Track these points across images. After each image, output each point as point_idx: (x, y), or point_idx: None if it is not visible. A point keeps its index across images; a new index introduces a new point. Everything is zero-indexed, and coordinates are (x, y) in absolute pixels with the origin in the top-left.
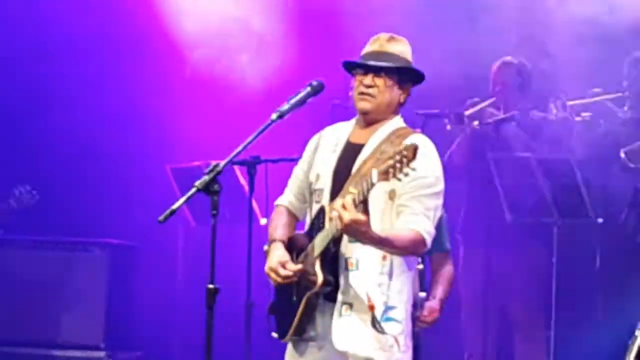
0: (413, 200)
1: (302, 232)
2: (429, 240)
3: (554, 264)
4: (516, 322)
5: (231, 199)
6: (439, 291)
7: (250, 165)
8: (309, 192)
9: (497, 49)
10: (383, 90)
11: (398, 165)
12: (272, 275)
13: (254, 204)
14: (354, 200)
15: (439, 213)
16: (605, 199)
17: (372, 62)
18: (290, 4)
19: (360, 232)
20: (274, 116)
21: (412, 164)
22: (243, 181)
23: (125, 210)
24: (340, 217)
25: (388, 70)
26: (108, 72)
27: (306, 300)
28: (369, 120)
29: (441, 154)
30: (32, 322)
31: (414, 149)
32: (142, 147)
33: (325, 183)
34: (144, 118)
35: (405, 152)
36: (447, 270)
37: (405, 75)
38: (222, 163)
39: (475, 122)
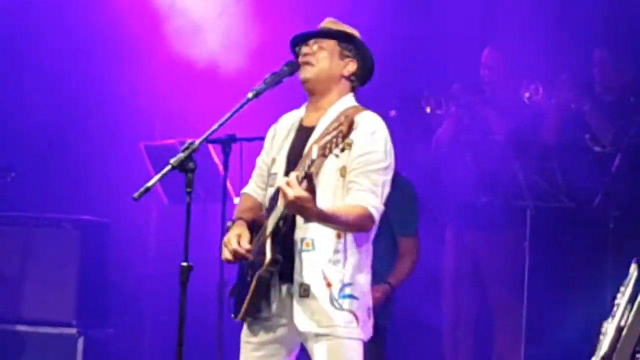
0: (360, 175)
1: (261, 215)
2: (376, 216)
3: (526, 248)
4: (491, 305)
5: (205, 177)
6: (392, 276)
7: (225, 144)
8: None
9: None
10: (321, 58)
11: (334, 140)
12: (224, 248)
13: (228, 183)
14: (297, 177)
15: (387, 189)
16: (579, 184)
17: (306, 31)
18: None
19: (304, 209)
20: (250, 95)
21: (348, 139)
22: (217, 160)
23: (98, 187)
24: (284, 194)
25: (324, 36)
26: (82, 48)
27: (257, 279)
28: (312, 92)
29: (420, 138)
30: (3, 298)
31: (349, 123)
32: (116, 124)
33: (279, 167)
34: (118, 95)
35: (341, 127)
36: (408, 260)
37: (347, 47)
38: (198, 141)
39: (454, 106)
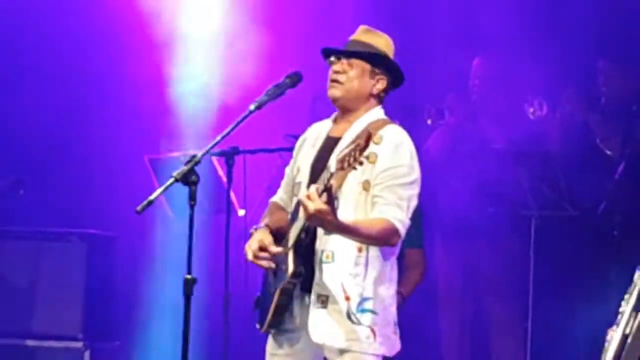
0: (386, 190)
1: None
2: (402, 230)
3: (531, 257)
4: (492, 315)
5: (209, 189)
6: (404, 287)
7: (229, 156)
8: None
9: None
10: (352, 77)
11: (353, 153)
12: (247, 250)
13: (232, 195)
14: (317, 190)
15: (414, 202)
16: (583, 192)
17: (338, 48)
18: None
19: (325, 221)
20: (252, 107)
21: (370, 152)
22: (221, 172)
23: (104, 200)
24: (304, 207)
25: (356, 57)
26: (87, 62)
27: (280, 291)
28: (341, 109)
29: (421, 148)
30: (9, 312)
31: (367, 137)
32: (120, 138)
33: (303, 176)
34: (122, 108)
35: (359, 141)
36: (417, 269)
37: (378, 65)
38: (200, 154)
39: (451, 117)
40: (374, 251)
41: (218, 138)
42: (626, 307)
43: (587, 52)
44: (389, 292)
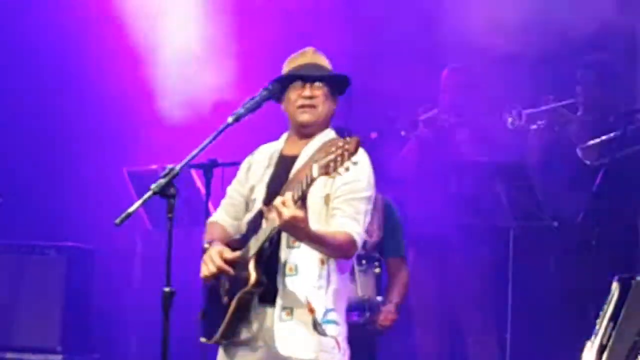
0: (345, 203)
1: (235, 238)
2: (359, 243)
3: (509, 267)
4: (471, 326)
5: (188, 202)
6: (395, 295)
7: (207, 169)
8: (244, 207)
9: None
10: (323, 101)
11: (339, 159)
12: (207, 263)
13: (211, 208)
14: (292, 197)
15: (368, 218)
16: (560, 204)
17: (316, 73)
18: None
19: (298, 229)
20: (230, 119)
21: (354, 158)
22: (199, 184)
23: (82, 213)
24: (279, 213)
25: (324, 81)
26: (66, 74)
27: (238, 299)
28: (308, 133)
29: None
30: None
31: (357, 142)
32: (99, 150)
33: (259, 193)
34: (101, 120)
35: (347, 146)
36: (403, 275)
37: (335, 87)
38: (178, 166)
39: (424, 129)
40: (333, 264)
41: (196, 150)
42: (604, 317)
43: (566, 61)
44: (344, 304)
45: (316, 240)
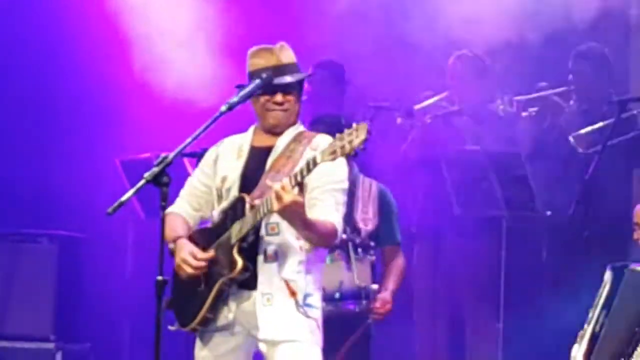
0: (325, 193)
1: (203, 227)
2: (340, 232)
3: (502, 257)
4: (466, 314)
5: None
6: (391, 283)
7: (200, 157)
8: (208, 198)
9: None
10: (294, 104)
11: (347, 144)
12: (184, 266)
13: None
14: (290, 182)
15: (344, 209)
16: (552, 193)
17: (289, 79)
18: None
19: (296, 214)
20: (223, 108)
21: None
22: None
23: (74, 202)
24: (279, 198)
25: (295, 86)
26: (57, 63)
27: (219, 286)
28: (278, 132)
29: (392, 147)
30: None
31: (366, 128)
32: (91, 139)
33: (233, 183)
34: (93, 109)
35: (356, 132)
36: (399, 262)
37: (301, 87)
38: (171, 155)
39: (427, 116)
40: (311, 252)
41: (189, 139)
42: (597, 305)
43: (560, 49)
44: (320, 292)
45: (309, 227)
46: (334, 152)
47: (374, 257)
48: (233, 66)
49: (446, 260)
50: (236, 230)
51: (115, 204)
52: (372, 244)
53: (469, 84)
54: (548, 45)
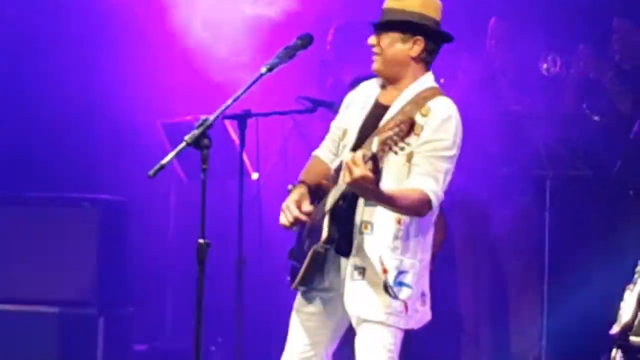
0: (424, 160)
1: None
2: (435, 202)
3: (546, 217)
4: (509, 276)
5: (222, 153)
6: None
7: (241, 119)
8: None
9: None
10: (385, 47)
11: (395, 138)
12: (282, 213)
13: (245, 159)
14: (363, 156)
15: (449, 177)
16: (598, 151)
17: (382, 20)
18: None
19: (365, 189)
20: (263, 69)
21: (408, 139)
22: (234, 135)
23: (116, 165)
24: (350, 171)
25: (384, 27)
26: (98, 27)
27: (312, 253)
28: (387, 79)
29: None
30: (23, 279)
31: (411, 124)
32: (133, 102)
33: (349, 140)
34: (134, 72)
35: (402, 126)
36: (438, 221)
37: (407, 30)
38: (212, 117)
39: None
40: (412, 224)
41: (230, 101)
42: None
43: (602, 10)
44: (422, 265)
45: (385, 200)
46: (384, 144)
47: None
48: (277, 30)
49: (489, 221)
50: (331, 197)
51: (156, 167)
52: None
53: (506, 45)
54: (596, 5)
